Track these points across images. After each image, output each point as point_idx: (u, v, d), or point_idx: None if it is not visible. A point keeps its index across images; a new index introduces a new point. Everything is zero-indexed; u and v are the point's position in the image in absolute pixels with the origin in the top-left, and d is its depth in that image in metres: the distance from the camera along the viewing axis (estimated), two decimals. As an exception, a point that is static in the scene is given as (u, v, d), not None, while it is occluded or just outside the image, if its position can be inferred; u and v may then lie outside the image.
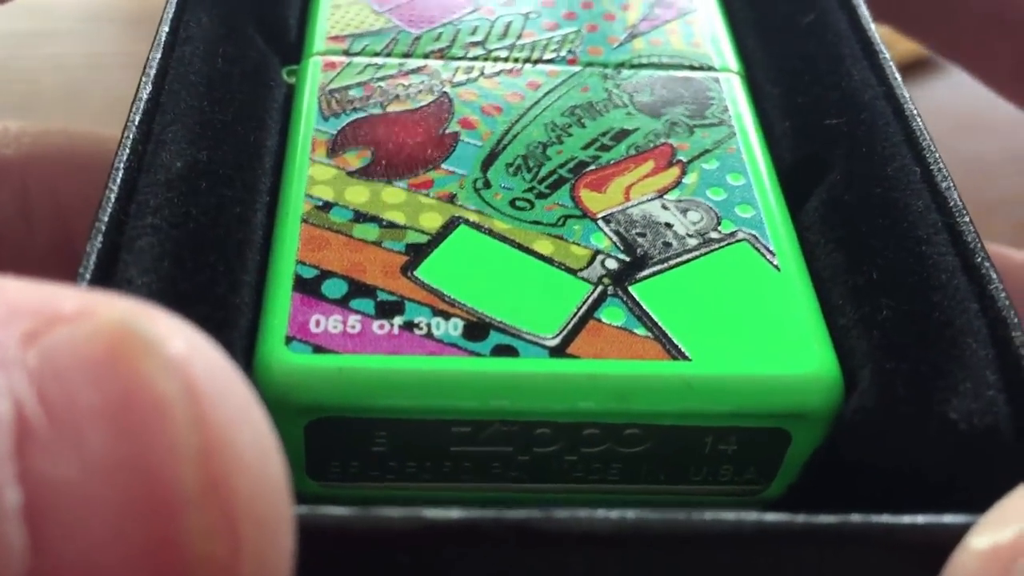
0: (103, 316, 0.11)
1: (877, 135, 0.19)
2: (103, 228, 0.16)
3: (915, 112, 0.20)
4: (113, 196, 0.16)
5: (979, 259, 0.17)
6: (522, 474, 0.17)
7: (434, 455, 0.17)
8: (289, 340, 0.16)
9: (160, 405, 0.10)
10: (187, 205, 0.17)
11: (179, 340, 0.11)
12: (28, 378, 0.10)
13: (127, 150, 0.17)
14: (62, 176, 0.23)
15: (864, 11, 0.22)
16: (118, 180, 0.16)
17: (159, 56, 0.19)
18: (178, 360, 0.11)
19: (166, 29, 0.19)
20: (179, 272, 0.16)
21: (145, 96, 0.18)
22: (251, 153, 0.19)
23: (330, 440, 0.16)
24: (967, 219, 0.18)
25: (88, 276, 0.15)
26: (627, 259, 0.18)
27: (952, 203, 0.18)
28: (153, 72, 0.18)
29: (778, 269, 0.18)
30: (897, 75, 0.21)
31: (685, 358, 0.16)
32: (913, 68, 0.41)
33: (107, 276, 0.15)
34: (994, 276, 0.17)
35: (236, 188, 0.18)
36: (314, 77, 0.21)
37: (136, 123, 0.17)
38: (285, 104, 0.21)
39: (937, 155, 0.19)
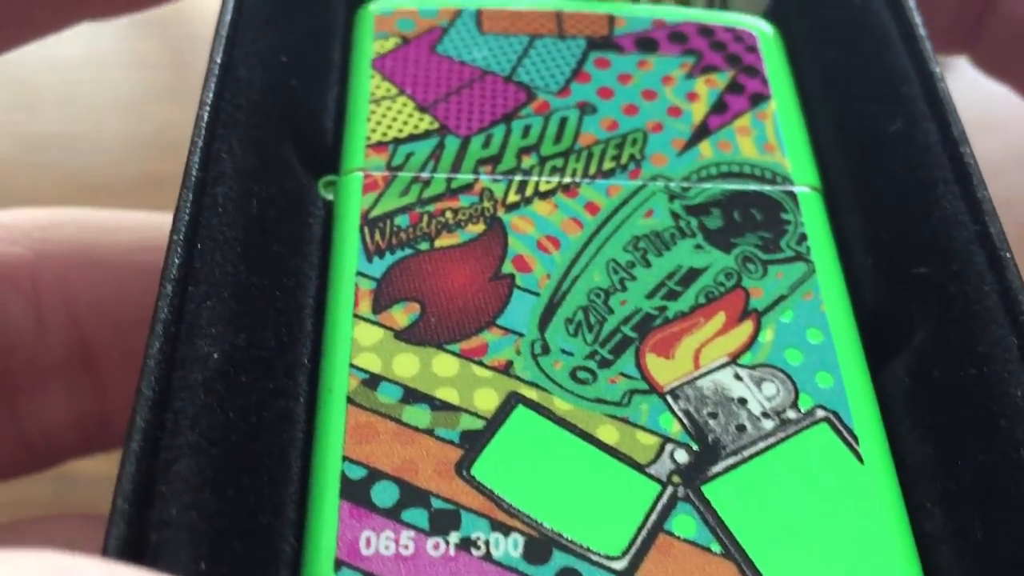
0: None
1: (970, 294, 0.18)
2: (137, 450, 0.14)
3: (1010, 258, 0.18)
4: (148, 404, 0.15)
5: None
6: None
7: None
8: (339, 565, 0.15)
9: None
10: (227, 410, 0.15)
11: None
12: None
13: (159, 339, 0.15)
14: (74, 273, 0.21)
15: (959, 124, 0.20)
16: (152, 381, 0.15)
17: (190, 202, 0.17)
18: None
19: (196, 162, 0.17)
20: (220, 505, 0.14)
21: (176, 263, 0.16)
22: (292, 322, 0.17)
23: None
24: None
25: (125, 516, 0.14)
26: (698, 449, 0.17)
27: (1055, 394, 0.16)
28: (184, 227, 0.16)
29: (861, 460, 0.17)
30: (992, 206, 0.19)
31: (762, 583, 0.15)
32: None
33: (143, 512, 0.14)
34: None
35: (277, 376, 0.16)
36: (355, 201, 0.19)
37: (168, 299, 0.16)
38: (323, 229, 0.19)
39: (1037, 324, 0.17)
